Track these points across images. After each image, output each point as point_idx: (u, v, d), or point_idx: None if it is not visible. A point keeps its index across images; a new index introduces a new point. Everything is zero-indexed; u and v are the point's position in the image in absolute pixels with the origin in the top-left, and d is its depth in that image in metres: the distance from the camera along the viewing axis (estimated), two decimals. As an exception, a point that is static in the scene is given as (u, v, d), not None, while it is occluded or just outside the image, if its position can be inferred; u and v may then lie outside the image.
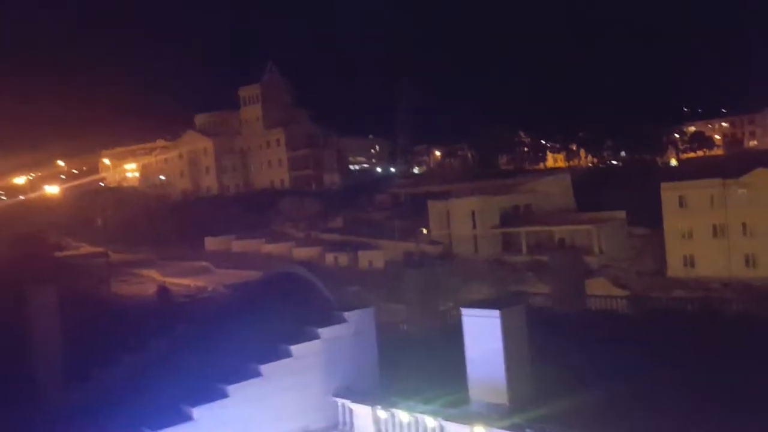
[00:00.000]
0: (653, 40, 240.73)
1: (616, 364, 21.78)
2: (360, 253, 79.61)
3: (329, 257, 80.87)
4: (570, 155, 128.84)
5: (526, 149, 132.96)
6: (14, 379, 19.16)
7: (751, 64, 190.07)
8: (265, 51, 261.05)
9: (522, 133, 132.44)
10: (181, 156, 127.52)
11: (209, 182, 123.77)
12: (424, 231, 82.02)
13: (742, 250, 61.59)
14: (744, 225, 61.75)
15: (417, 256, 74.88)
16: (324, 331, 18.36)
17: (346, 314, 19.16)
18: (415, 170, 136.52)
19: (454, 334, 19.06)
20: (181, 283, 73.34)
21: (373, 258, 77.99)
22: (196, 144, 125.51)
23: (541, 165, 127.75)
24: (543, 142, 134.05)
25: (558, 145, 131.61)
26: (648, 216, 67.92)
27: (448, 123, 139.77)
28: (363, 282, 65.60)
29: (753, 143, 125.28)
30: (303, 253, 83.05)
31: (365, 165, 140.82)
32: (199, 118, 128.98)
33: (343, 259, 79.69)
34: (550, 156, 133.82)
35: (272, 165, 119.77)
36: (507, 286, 60.54)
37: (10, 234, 72.44)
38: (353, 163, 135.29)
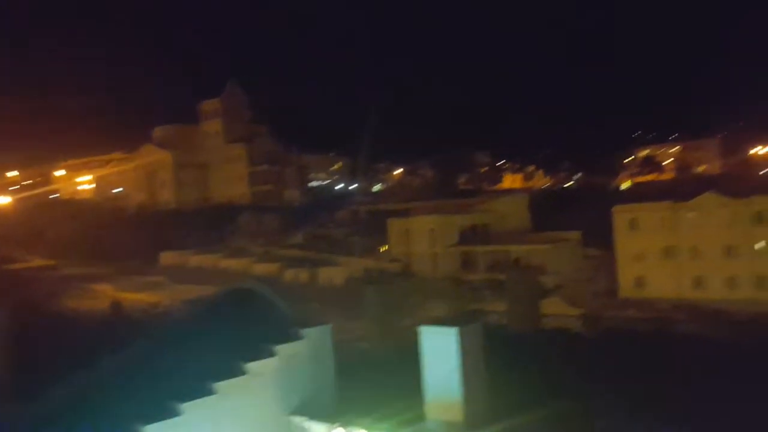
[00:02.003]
0: (606, 67, 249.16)
1: (570, 381, 22.30)
2: (320, 269, 79.29)
3: (289, 273, 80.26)
4: (527, 176, 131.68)
5: (484, 169, 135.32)
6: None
7: (701, 92, 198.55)
8: (226, 66, 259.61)
9: (481, 154, 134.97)
10: (138, 169, 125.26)
11: (167, 196, 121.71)
12: (384, 248, 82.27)
13: (691, 272, 63.58)
14: (692, 247, 63.86)
15: (376, 273, 74.99)
16: (280, 349, 18.25)
17: (303, 331, 19.10)
18: (376, 188, 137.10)
19: (413, 351, 19.23)
20: (135, 298, 71.82)
21: (332, 275, 77.76)
22: (154, 157, 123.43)
23: (499, 186, 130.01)
24: (501, 163, 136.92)
25: (516, 166, 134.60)
26: (601, 237, 69.69)
27: (408, 142, 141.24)
28: (322, 299, 65.27)
29: (702, 168, 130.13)
30: (262, 268, 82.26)
31: (326, 181, 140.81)
32: (159, 131, 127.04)
33: (303, 275, 79.20)
34: (508, 176, 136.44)
35: (232, 180, 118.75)
36: (465, 305, 61.08)
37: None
38: (314, 180, 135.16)
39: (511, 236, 77.79)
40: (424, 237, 77.56)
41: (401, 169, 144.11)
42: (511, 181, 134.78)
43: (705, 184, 77.59)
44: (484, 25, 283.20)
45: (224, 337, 18.71)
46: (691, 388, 22.48)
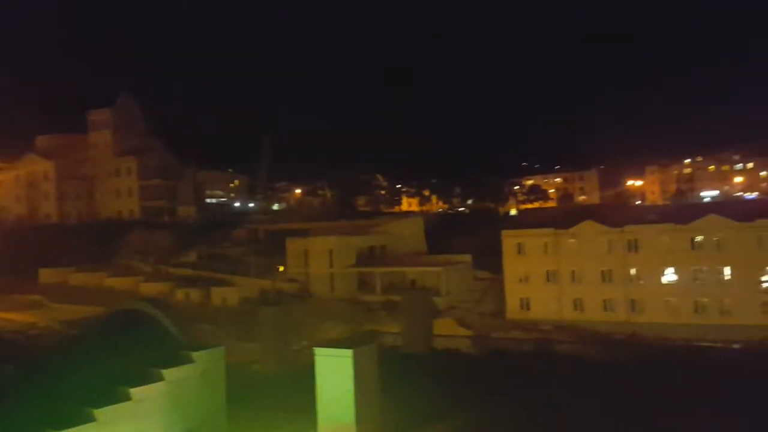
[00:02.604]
0: (497, 101, 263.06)
1: (460, 399, 23.17)
2: (213, 289, 77.06)
3: (180, 293, 77.36)
4: (423, 200, 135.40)
5: (383, 192, 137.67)
6: None
7: (582, 127, 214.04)
8: (123, 79, 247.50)
9: (380, 177, 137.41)
10: (17, 179, 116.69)
11: (48, 209, 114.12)
12: (282, 268, 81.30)
13: (571, 295, 67.69)
14: (573, 272, 68.06)
15: (273, 293, 73.90)
16: (168, 373, 17.72)
17: (193, 354, 18.67)
18: (275, 207, 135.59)
19: (308, 374, 19.29)
20: (9, 317, 66.60)
21: (227, 295, 75.77)
22: (36, 167, 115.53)
23: (397, 208, 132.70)
24: (399, 186, 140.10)
25: (412, 190, 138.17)
26: (491, 260, 72.66)
27: (309, 162, 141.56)
28: (215, 320, 63.47)
29: (582, 198, 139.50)
30: (151, 288, 78.76)
31: (223, 199, 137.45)
32: (42, 140, 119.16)
33: (195, 295, 76.62)
34: (405, 200, 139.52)
35: (121, 194, 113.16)
36: (361, 326, 61.53)
37: None
38: (211, 197, 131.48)
39: (407, 258, 79.43)
40: (322, 257, 77.50)
41: (301, 189, 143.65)
42: (408, 204, 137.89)
43: (584, 212, 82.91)
44: (387, 51, 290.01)
45: (108, 360, 17.92)
46: (569, 404, 23.99)
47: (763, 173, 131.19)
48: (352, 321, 64.20)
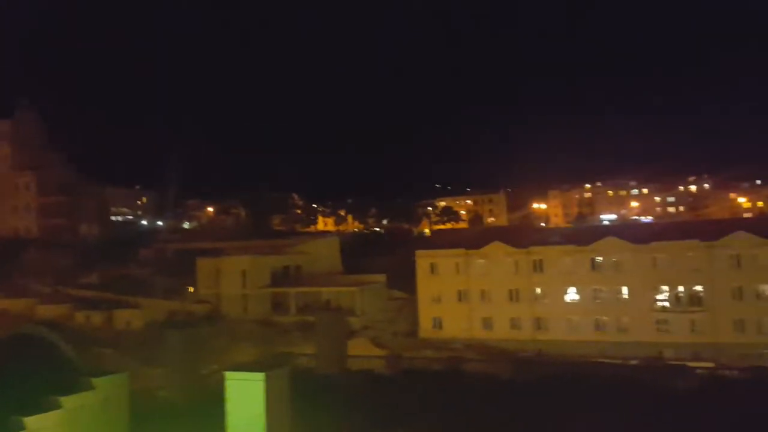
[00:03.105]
0: (412, 130, 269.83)
1: (375, 419, 23.29)
2: (116, 311, 73.59)
3: (80, 316, 73.33)
4: (339, 220, 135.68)
5: (298, 211, 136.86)
6: None
7: (491, 152, 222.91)
8: (22, 89, 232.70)
9: (295, 196, 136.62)
10: None
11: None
12: (191, 289, 78.84)
13: (481, 314, 69.72)
14: (482, 291, 70.17)
15: (182, 315, 71.49)
16: (67, 400, 16.87)
17: (93, 380, 17.87)
18: (186, 225, 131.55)
19: (217, 399, 18.81)
20: None
21: (131, 317, 72.52)
22: None
23: (312, 227, 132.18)
24: (315, 205, 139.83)
25: (328, 210, 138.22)
26: (405, 280, 73.64)
27: (222, 179, 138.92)
28: (118, 344, 60.51)
29: (491, 219, 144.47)
30: (48, 311, 74.15)
31: (130, 217, 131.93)
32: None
33: (97, 318, 72.89)
34: (321, 219, 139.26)
35: (18, 211, 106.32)
36: (275, 347, 60.40)
37: None
38: (116, 214, 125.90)
39: (322, 278, 79.11)
40: (235, 278, 75.84)
41: (214, 207, 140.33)
42: (324, 223, 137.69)
43: (494, 234, 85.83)
44: (304, 72, 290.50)
45: (0, 388, 16.86)
46: (483, 420, 24.71)
47: (657, 198, 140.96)
48: (266, 343, 62.98)
